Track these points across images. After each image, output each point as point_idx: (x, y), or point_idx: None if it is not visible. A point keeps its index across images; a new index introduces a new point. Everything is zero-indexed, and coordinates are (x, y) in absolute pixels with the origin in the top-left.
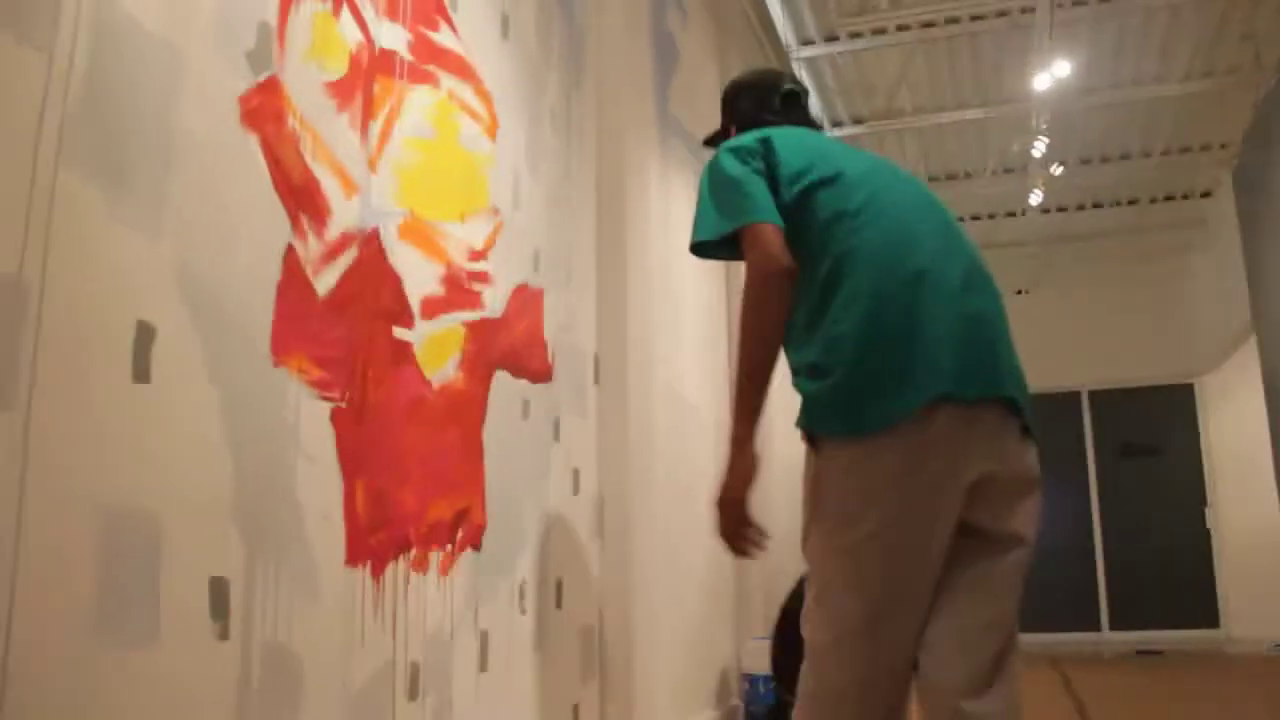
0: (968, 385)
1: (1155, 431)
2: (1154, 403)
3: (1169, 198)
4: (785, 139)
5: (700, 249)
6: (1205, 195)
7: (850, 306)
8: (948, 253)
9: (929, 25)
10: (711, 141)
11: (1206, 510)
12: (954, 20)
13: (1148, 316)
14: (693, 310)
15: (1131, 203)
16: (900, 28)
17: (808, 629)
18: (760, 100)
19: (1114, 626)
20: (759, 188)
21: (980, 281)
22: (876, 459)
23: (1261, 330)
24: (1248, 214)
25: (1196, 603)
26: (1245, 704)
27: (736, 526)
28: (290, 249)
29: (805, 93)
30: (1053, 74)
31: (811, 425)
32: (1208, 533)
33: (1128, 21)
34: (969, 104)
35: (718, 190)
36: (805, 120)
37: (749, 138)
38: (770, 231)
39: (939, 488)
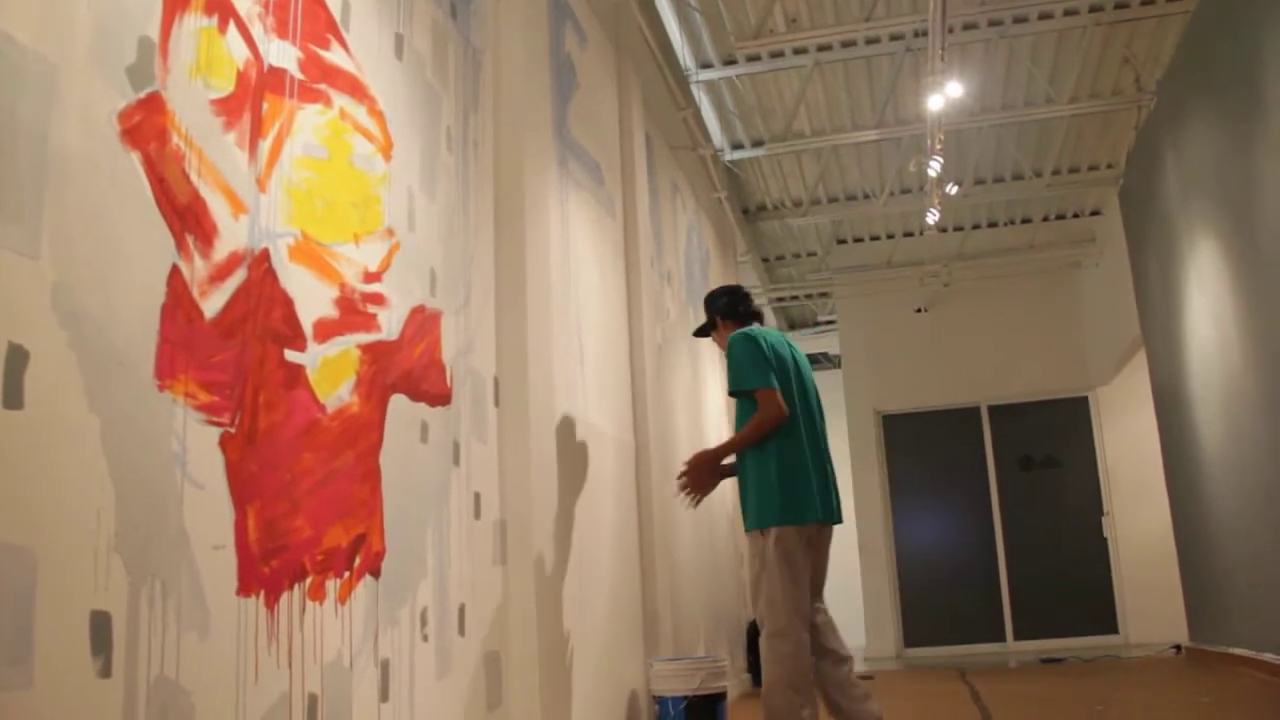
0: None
1: (1053, 444)
2: (1051, 416)
3: (1060, 216)
4: (770, 340)
5: (735, 393)
6: (1095, 213)
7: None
8: (819, 436)
9: (825, 48)
10: (701, 332)
11: (1104, 520)
12: (850, 43)
13: (1043, 332)
14: (595, 332)
15: (1025, 221)
16: (797, 51)
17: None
18: (734, 303)
19: (1018, 637)
20: (768, 365)
21: (827, 449)
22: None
23: (1150, 343)
24: (1134, 231)
25: (1096, 610)
26: (1145, 706)
27: (702, 476)
28: (175, 270)
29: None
30: (946, 95)
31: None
32: (1105, 542)
33: (1017, 45)
34: (866, 126)
35: (745, 359)
36: (760, 318)
37: (755, 333)
38: (777, 394)
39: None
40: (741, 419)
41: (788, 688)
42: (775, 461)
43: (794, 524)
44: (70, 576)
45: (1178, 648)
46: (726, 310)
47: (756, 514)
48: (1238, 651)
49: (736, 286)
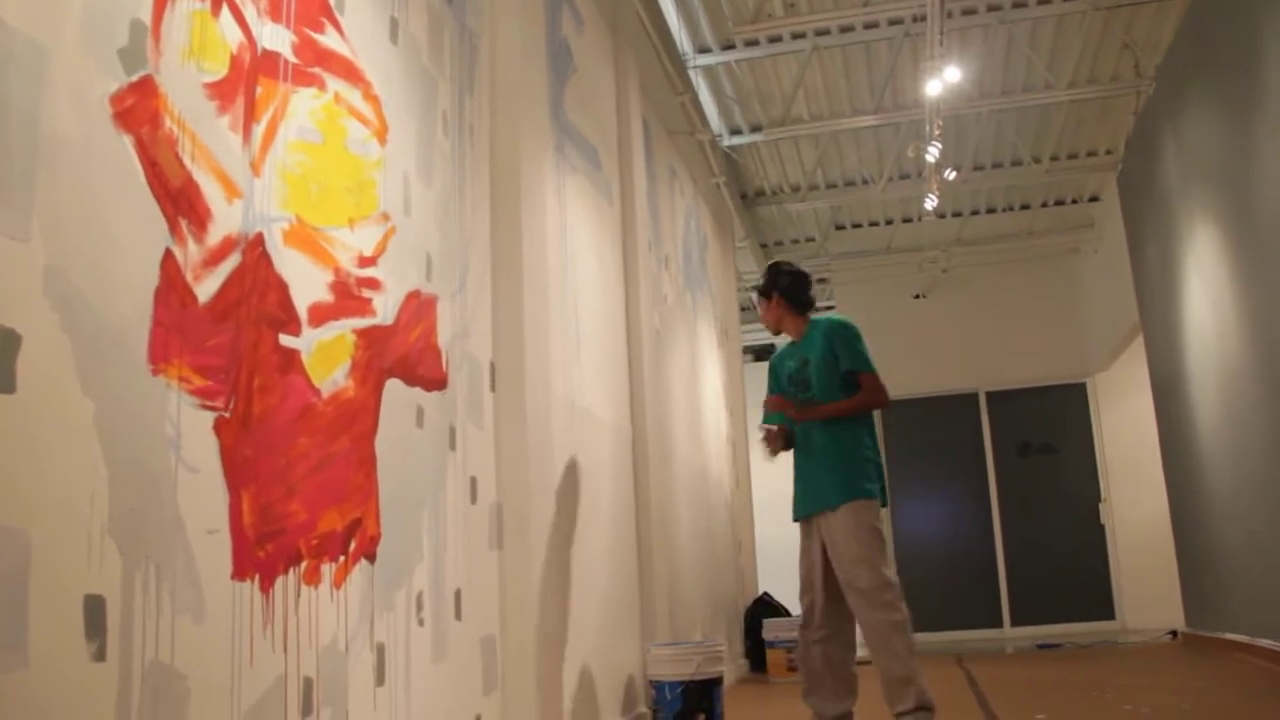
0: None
1: (1051, 430)
2: (1049, 402)
3: (1059, 202)
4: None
5: (850, 371)
6: (1093, 199)
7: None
8: None
9: (824, 33)
10: (761, 291)
11: (1101, 506)
12: (848, 28)
13: (1042, 318)
14: (592, 317)
15: (1024, 207)
16: (795, 35)
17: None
18: (798, 288)
19: (1015, 623)
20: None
21: None
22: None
23: (1148, 329)
24: (1132, 217)
25: (1093, 596)
26: (1142, 690)
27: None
28: (169, 254)
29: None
30: (944, 81)
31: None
32: (1102, 528)
33: (1016, 30)
34: (865, 111)
35: (864, 345)
36: (814, 306)
37: (854, 323)
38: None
39: None
40: (829, 396)
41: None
42: (877, 442)
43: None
44: (64, 560)
45: (1174, 633)
46: (789, 291)
47: (869, 485)
48: (1234, 637)
49: (805, 274)
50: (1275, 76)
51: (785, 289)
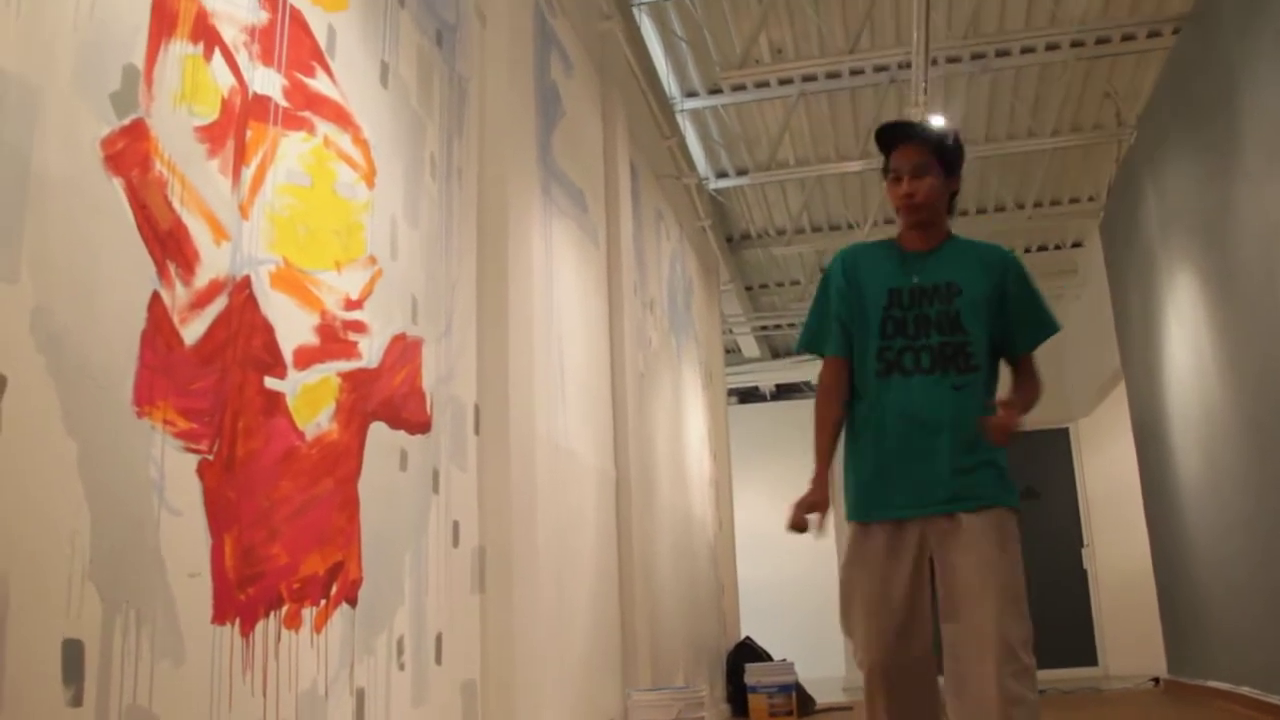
0: None
1: (1034, 475)
2: (1032, 447)
3: (1043, 248)
4: None
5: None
6: (1076, 245)
7: None
8: None
9: (810, 79)
10: (945, 156)
11: (1084, 551)
12: (834, 74)
13: None
14: (577, 361)
15: None
16: (782, 81)
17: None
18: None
19: None
20: None
21: None
22: None
23: (1130, 375)
24: (1115, 264)
25: (1075, 642)
26: None
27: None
28: (156, 296)
29: None
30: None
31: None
32: (1085, 573)
33: (999, 78)
34: (850, 156)
35: None
36: None
37: None
38: None
39: None
40: (981, 350)
41: None
42: None
43: None
44: (44, 603)
45: (1156, 680)
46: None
47: (1011, 490)
48: (1216, 685)
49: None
50: (1251, 128)
51: (959, 176)
